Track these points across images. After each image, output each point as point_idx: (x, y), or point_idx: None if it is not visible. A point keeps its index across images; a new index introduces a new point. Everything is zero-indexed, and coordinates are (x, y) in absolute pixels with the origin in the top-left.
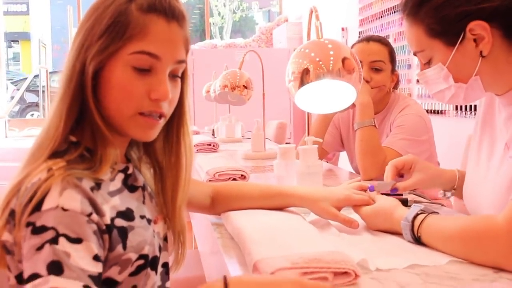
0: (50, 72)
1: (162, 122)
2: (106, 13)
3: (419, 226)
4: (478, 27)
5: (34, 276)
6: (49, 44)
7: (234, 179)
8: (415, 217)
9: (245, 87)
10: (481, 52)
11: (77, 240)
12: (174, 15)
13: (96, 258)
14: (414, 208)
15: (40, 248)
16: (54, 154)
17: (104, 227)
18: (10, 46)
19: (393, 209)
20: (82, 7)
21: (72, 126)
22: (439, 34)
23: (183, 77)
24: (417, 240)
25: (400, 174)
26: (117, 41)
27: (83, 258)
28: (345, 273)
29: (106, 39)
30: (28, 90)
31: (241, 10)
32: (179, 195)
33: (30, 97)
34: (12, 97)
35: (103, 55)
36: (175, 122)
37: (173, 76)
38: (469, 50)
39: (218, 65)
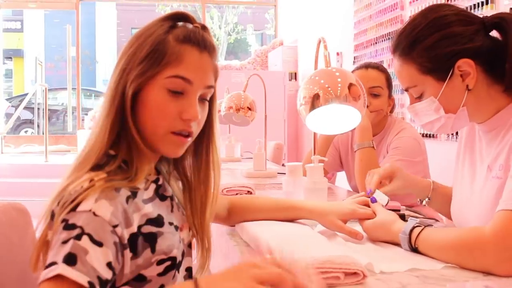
0: (49, 90)
1: (189, 141)
2: (147, 42)
3: (416, 239)
4: (465, 64)
5: (51, 264)
6: (43, 61)
7: (241, 195)
8: (411, 230)
9: (249, 109)
10: (467, 86)
11: (98, 243)
12: (206, 47)
13: (109, 265)
14: (411, 222)
15: (65, 242)
16: (96, 166)
17: (126, 242)
18: (3, 63)
19: (391, 223)
20: (81, 26)
21: (113, 140)
22: (431, 71)
23: (212, 100)
24: (415, 251)
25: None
26: (155, 67)
27: (98, 260)
28: (354, 273)
29: (145, 64)
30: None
31: (236, 33)
32: (208, 209)
33: (24, 114)
34: (7, 114)
35: (142, 78)
36: (205, 141)
37: (202, 99)
38: (457, 84)
39: (216, 87)
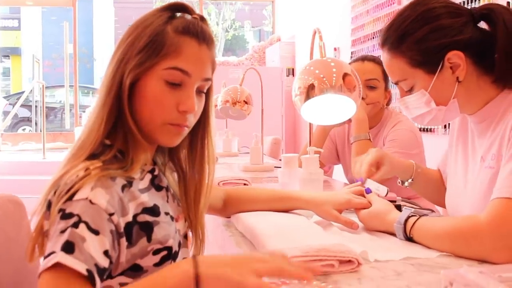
0: (46, 87)
1: (186, 130)
2: (145, 32)
3: (411, 228)
4: (455, 56)
5: (50, 254)
6: (40, 59)
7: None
8: (406, 220)
9: (246, 103)
10: (457, 78)
11: (95, 232)
12: (204, 38)
13: (106, 253)
14: (405, 211)
15: (63, 231)
16: (92, 156)
17: (122, 230)
18: (1, 61)
19: (387, 212)
20: (78, 24)
21: (109, 130)
22: (421, 64)
23: (208, 93)
24: (410, 240)
25: None
26: (153, 57)
27: (95, 248)
28: (349, 261)
29: (144, 55)
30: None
31: (234, 29)
32: (202, 200)
33: (22, 112)
34: (4, 112)
35: (140, 69)
36: (200, 133)
37: (199, 91)
38: (447, 76)
39: (214, 82)
